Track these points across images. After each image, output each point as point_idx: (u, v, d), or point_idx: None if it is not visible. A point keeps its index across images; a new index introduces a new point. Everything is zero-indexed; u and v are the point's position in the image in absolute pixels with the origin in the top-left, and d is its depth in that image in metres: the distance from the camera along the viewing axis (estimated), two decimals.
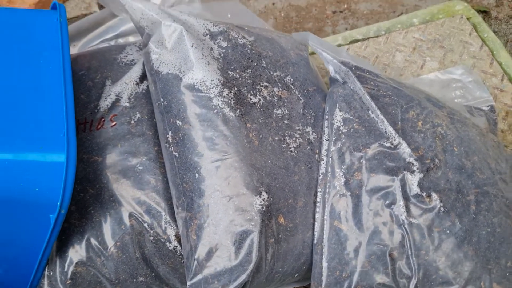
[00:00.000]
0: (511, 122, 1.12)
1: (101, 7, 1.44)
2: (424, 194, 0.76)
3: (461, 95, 1.13)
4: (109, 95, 0.89)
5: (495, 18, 1.73)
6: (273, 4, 1.73)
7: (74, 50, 1.14)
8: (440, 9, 1.34)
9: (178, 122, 0.80)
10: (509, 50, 1.67)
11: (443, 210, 0.75)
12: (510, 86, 1.18)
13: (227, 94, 0.81)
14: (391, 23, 1.31)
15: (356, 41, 1.27)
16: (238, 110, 0.80)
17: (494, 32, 1.70)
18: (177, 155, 0.78)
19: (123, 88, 0.90)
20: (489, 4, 1.76)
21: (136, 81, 0.92)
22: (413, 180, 0.77)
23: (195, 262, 0.73)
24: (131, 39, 1.15)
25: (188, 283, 0.74)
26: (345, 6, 1.73)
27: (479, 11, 1.75)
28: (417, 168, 0.78)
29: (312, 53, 1.21)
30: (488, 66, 1.21)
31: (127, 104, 0.89)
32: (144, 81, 0.92)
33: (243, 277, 0.71)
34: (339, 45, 1.26)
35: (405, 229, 0.75)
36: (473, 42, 1.25)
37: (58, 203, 0.67)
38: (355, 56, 1.22)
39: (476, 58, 1.22)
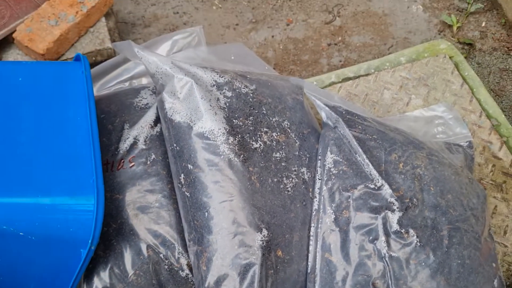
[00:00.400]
0: (488, 156, 1.24)
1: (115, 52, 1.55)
2: (403, 231, 0.88)
3: (443, 131, 1.25)
4: (127, 138, 1.01)
5: (479, 50, 1.85)
6: (273, 36, 1.85)
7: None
8: (425, 47, 1.46)
9: (190, 166, 0.91)
10: (492, 81, 1.79)
11: (419, 244, 0.87)
12: (488, 122, 1.29)
13: (232, 141, 0.92)
14: (380, 61, 1.43)
15: (348, 79, 1.39)
16: (242, 155, 0.92)
17: (478, 63, 1.83)
18: (188, 195, 0.90)
19: (139, 132, 1.02)
20: (473, 37, 1.88)
21: (151, 124, 1.03)
22: (393, 218, 0.89)
23: None
24: (144, 80, 1.27)
25: None
26: (340, 38, 1.85)
27: (464, 43, 1.87)
28: (397, 207, 0.90)
29: None
30: (467, 103, 1.33)
31: (144, 146, 1.00)
32: (158, 124, 1.04)
33: None
34: (333, 83, 1.38)
35: (386, 261, 0.86)
36: (455, 81, 1.37)
37: (90, 240, 0.79)
38: (347, 96, 1.34)
39: (457, 95, 1.34)
